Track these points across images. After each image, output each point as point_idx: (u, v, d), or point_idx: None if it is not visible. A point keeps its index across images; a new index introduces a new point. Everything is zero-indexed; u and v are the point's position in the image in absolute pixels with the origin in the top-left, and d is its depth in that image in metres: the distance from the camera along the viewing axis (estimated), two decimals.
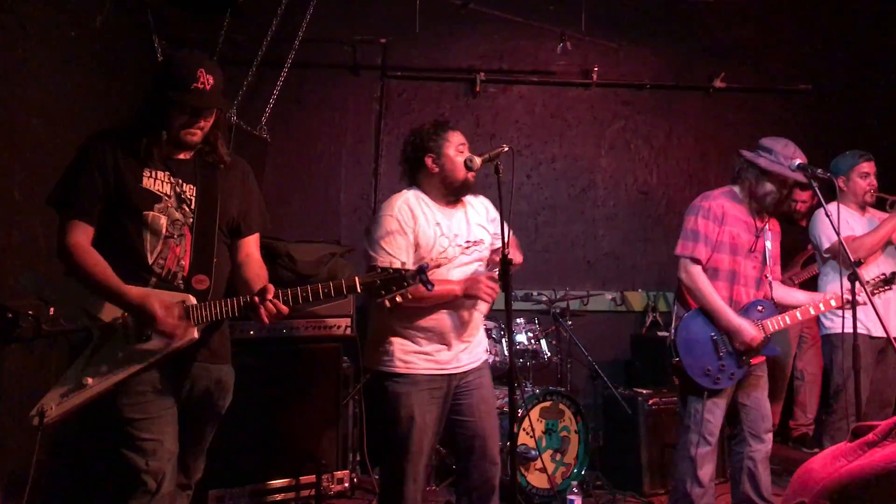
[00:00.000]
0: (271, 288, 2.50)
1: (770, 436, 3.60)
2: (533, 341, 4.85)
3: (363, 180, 5.87)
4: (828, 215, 3.56)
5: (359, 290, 2.56)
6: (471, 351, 3.23)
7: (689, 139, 6.31)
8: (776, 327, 3.49)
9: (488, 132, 5.99)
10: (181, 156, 2.59)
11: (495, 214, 3.29)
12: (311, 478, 4.12)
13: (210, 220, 2.58)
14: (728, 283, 3.53)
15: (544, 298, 5.18)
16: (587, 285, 5.94)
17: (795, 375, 5.67)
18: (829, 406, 4.36)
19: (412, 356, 3.08)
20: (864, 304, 3.42)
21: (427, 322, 3.09)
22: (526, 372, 4.87)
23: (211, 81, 2.48)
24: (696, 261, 3.49)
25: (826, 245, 4.17)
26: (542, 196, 6.14)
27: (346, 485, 4.30)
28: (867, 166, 4.25)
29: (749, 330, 3.42)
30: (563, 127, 6.16)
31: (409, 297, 2.63)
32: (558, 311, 5.07)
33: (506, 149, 3.05)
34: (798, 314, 3.54)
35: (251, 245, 2.78)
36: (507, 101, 6.10)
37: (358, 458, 4.62)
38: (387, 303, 2.57)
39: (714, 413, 3.47)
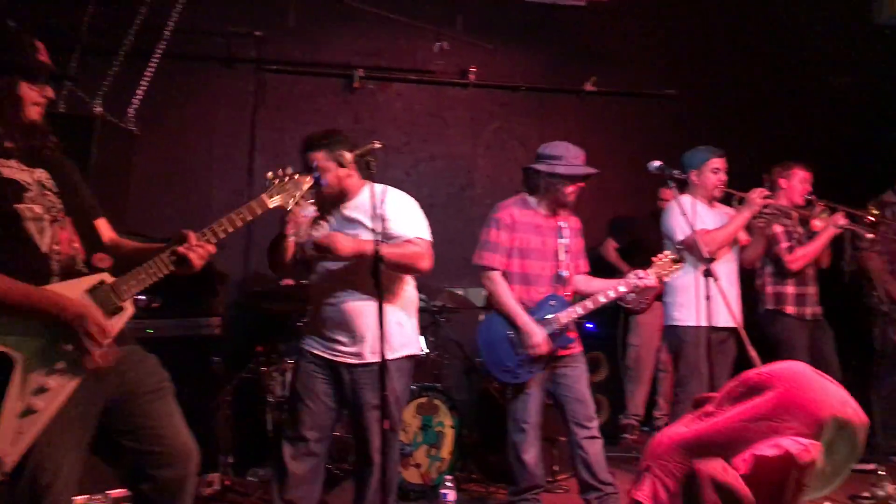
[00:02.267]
0: (191, 233, 2.37)
1: (594, 422, 3.83)
2: None
3: (237, 176, 5.73)
4: (681, 212, 3.75)
5: (268, 205, 2.53)
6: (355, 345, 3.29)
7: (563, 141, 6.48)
8: (568, 320, 3.75)
9: (367, 129, 5.96)
10: (23, 143, 2.42)
11: (385, 210, 3.28)
12: None
13: (76, 201, 2.43)
14: (522, 286, 3.81)
15: (422, 296, 5.20)
16: (464, 282, 6.01)
17: (659, 367, 5.93)
18: (676, 395, 4.49)
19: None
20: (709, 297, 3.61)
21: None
22: None
23: (44, 51, 2.35)
24: (493, 269, 3.79)
25: (680, 237, 4.30)
26: (422, 194, 6.09)
27: (217, 487, 4.19)
28: (719, 162, 4.42)
29: (536, 336, 3.70)
30: (441, 126, 6.23)
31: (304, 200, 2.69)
32: (436, 308, 5.11)
33: (377, 145, 3.06)
34: (589, 303, 3.76)
35: (107, 227, 2.62)
36: (386, 98, 6.11)
37: (231, 461, 4.52)
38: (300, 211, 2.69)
39: (525, 402, 3.78)
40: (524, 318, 3.74)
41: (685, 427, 2.13)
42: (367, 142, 3.08)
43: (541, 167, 3.84)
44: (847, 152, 6.41)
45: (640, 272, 3.78)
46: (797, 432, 1.97)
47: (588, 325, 5.75)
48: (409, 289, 3.48)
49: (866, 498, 4.09)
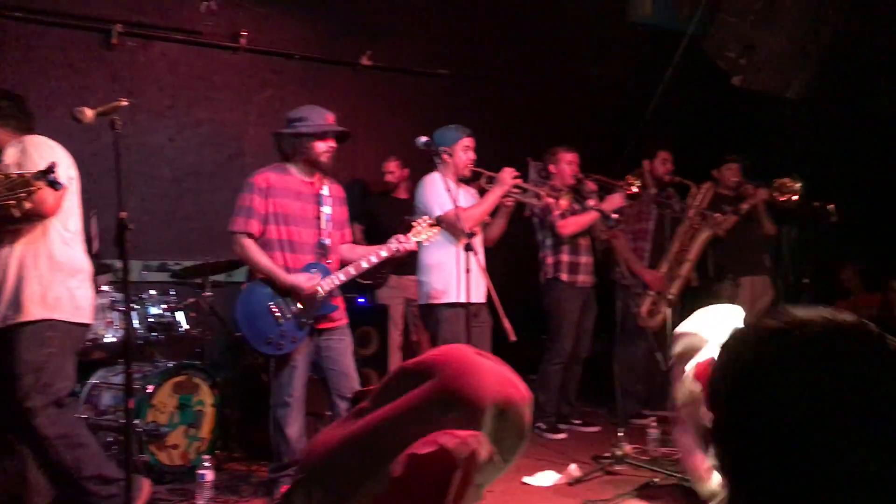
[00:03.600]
0: None
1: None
2: (168, 313, 4.60)
3: None
4: (445, 188, 3.84)
5: None
6: None
7: (338, 114, 6.37)
8: (330, 286, 3.76)
9: (126, 89, 5.51)
10: None
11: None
12: None
13: None
14: (283, 253, 3.77)
15: (180, 268, 4.94)
16: (232, 255, 5.78)
17: None
18: None
19: None
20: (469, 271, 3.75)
21: None
22: (160, 346, 4.62)
23: None
24: (250, 235, 3.71)
25: (437, 213, 4.33)
26: (187, 161, 5.85)
27: None
28: (469, 141, 4.52)
29: (304, 282, 3.67)
30: (209, 90, 5.92)
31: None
32: (199, 281, 4.87)
33: (124, 103, 2.83)
34: (351, 269, 3.80)
35: None
36: (148, 57, 5.70)
37: None
38: (15, 212, 2.35)
39: (290, 376, 3.73)
40: (284, 274, 3.67)
41: (339, 428, 1.91)
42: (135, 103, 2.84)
43: (286, 130, 3.81)
44: (603, 137, 6.90)
45: (401, 237, 3.84)
46: (457, 424, 1.77)
47: (359, 300, 5.77)
48: (57, 247, 3.17)
49: (607, 457, 4.44)
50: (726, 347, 0.95)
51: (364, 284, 5.61)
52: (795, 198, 5.59)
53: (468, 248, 3.70)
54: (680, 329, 2.46)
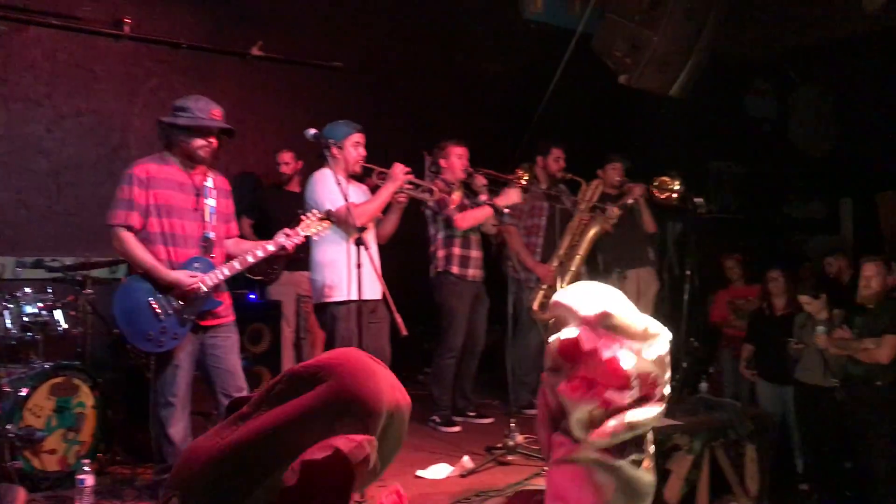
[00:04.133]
0: None
1: (244, 392, 3.76)
2: (45, 312, 4.38)
3: None
4: (336, 183, 3.80)
5: None
6: None
7: (226, 105, 6.17)
8: (214, 281, 3.66)
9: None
10: None
11: None
12: None
13: None
14: (166, 246, 3.64)
15: (58, 265, 4.71)
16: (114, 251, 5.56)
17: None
18: None
19: None
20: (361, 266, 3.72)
21: None
22: (36, 346, 4.38)
23: None
24: (130, 228, 3.57)
25: (328, 208, 4.25)
26: (66, 153, 5.58)
27: None
28: (359, 137, 4.49)
29: (184, 279, 3.57)
30: (90, 79, 5.66)
31: None
32: (80, 278, 4.65)
33: None
34: (236, 264, 3.71)
35: None
36: (22, 43, 5.39)
37: None
38: None
39: (174, 375, 3.61)
40: (164, 270, 3.56)
41: (216, 437, 1.80)
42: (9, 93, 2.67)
43: (165, 119, 3.68)
44: (498, 132, 6.99)
45: (289, 230, 3.77)
46: (352, 429, 1.74)
47: (250, 296, 5.65)
48: None
49: (499, 448, 4.50)
50: None
51: (255, 280, 5.51)
52: (675, 195, 5.83)
53: (359, 242, 3.67)
54: (555, 298, 2.48)
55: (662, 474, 3.67)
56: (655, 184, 5.89)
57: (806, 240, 8.67)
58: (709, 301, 6.88)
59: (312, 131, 3.87)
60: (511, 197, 5.11)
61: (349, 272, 4.06)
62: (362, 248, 3.73)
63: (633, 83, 5.48)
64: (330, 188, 4.22)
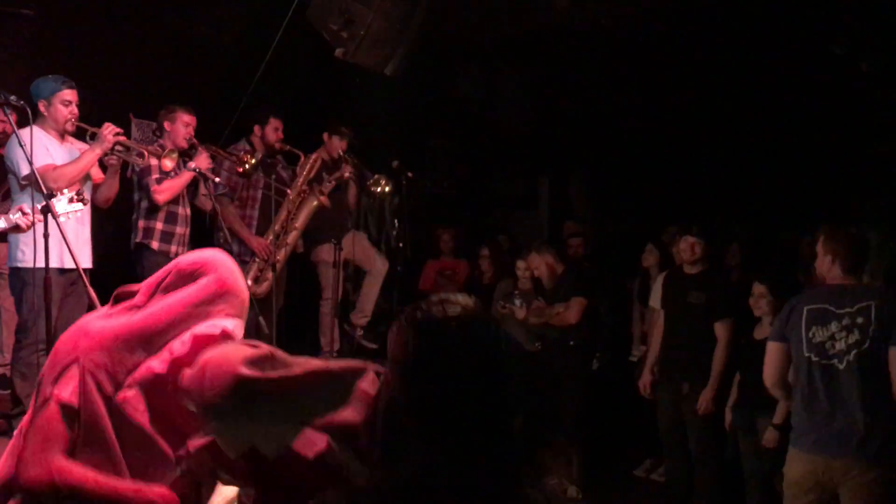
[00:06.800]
0: None
1: None
2: None
3: None
4: (21, 144, 3.45)
5: None
6: None
7: None
8: None
9: None
10: None
11: None
12: None
13: None
14: None
15: None
16: None
17: None
18: (18, 342, 4.26)
19: None
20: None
21: None
22: None
23: None
24: None
25: (25, 172, 4.01)
26: None
27: None
28: (70, 94, 4.22)
29: None
30: None
31: None
32: None
33: None
34: None
35: None
36: None
37: None
38: None
39: None
40: None
41: (106, 322, 2.16)
42: None
43: None
44: (214, 98, 6.70)
45: (26, 208, 3.51)
46: (227, 314, 2.17)
47: None
48: None
49: None
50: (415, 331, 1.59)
51: None
52: (387, 191, 6.39)
53: (45, 210, 3.37)
54: None
55: None
56: (371, 181, 6.27)
57: (508, 215, 9.44)
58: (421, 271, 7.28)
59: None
60: (202, 161, 4.97)
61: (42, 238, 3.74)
62: (49, 216, 3.42)
63: (349, 58, 5.51)
64: (26, 149, 3.86)
